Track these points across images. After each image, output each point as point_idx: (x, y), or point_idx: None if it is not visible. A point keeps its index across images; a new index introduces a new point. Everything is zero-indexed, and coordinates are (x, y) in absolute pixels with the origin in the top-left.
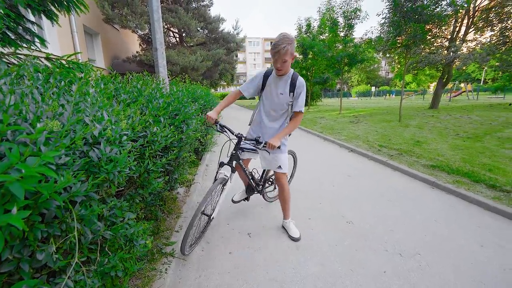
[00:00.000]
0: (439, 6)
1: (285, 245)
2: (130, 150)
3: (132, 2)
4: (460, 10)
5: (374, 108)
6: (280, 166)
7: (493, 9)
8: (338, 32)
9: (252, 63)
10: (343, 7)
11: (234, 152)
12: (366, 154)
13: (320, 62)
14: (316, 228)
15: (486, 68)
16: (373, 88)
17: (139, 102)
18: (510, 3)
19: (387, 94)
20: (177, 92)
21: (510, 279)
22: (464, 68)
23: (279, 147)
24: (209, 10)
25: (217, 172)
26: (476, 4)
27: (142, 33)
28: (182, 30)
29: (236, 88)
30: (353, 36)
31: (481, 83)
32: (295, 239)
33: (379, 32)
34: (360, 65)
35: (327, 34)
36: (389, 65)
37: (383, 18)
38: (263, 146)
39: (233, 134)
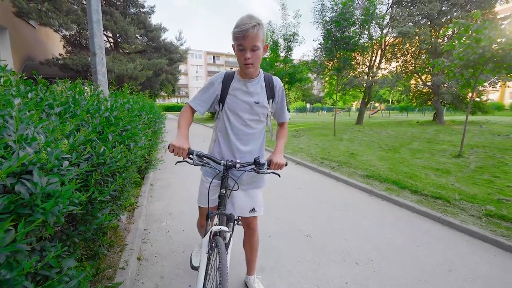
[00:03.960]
0: (362, 38)
1: None
2: (72, 178)
3: None
4: (376, 43)
5: (311, 123)
6: (254, 209)
7: (397, 45)
8: (279, 52)
9: (194, 75)
10: (282, 30)
11: (223, 191)
12: (311, 166)
13: None
14: (278, 246)
15: (393, 91)
16: (308, 105)
17: (81, 116)
18: (408, 42)
19: (320, 110)
20: (124, 104)
21: (443, 274)
22: (378, 90)
23: (286, 164)
24: (149, 17)
25: (208, 233)
26: (386, 40)
27: (68, 33)
28: (118, 35)
29: (186, 104)
30: (291, 57)
31: (390, 103)
32: None
33: (314, 56)
34: (299, 83)
35: (268, 53)
36: (322, 84)
37: (318, 44)
38: (267, 169)
39: (220, 163)
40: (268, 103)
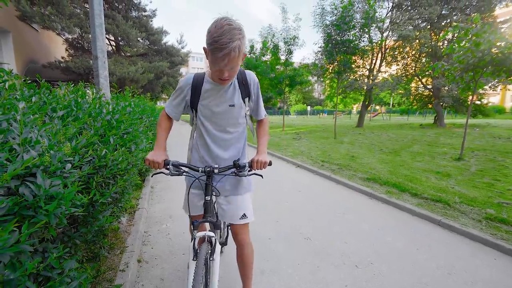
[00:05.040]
0: (362, 42)
1: None
2: (75, 180)
3: (59, 1)
4: (376, 46)
5: (312, 126)
6: (245, 214)
7: (397, 49)
8: (279, 55)
9: None
10: (283, 34)
11: (207, 198)
12: (311, 169)
13: (263, 81)
14: (278, 249)
15: (393, 94)
16: (308, 108)
17: (83, 119)
18: (408, 45)
19: (321, 113)
20: (126, 107)
21: (444, 277)
22: (379, 93)
23: (270, 164)
24: (151, 21)
25: (193, 239)
26: (386, 43)
27: (70, 37)
28: (120, 38)
29: (164, 110)
30: (292, 60)
31: (390, 106)
32: None
33: (314, 59)
34: (299, 86)
35: (269, 56)
36: (323, 87)
37: (318, 47)
38: (249, 170)
39: (197, 170)
40: (244, 102)
